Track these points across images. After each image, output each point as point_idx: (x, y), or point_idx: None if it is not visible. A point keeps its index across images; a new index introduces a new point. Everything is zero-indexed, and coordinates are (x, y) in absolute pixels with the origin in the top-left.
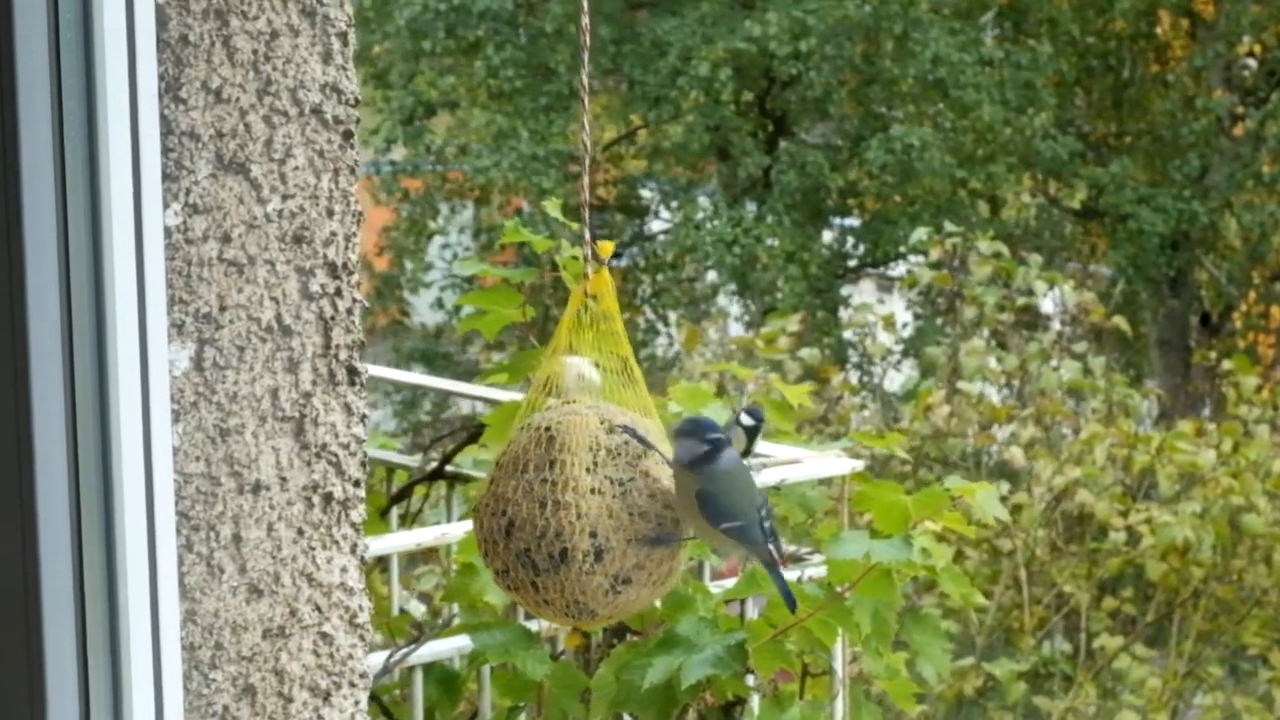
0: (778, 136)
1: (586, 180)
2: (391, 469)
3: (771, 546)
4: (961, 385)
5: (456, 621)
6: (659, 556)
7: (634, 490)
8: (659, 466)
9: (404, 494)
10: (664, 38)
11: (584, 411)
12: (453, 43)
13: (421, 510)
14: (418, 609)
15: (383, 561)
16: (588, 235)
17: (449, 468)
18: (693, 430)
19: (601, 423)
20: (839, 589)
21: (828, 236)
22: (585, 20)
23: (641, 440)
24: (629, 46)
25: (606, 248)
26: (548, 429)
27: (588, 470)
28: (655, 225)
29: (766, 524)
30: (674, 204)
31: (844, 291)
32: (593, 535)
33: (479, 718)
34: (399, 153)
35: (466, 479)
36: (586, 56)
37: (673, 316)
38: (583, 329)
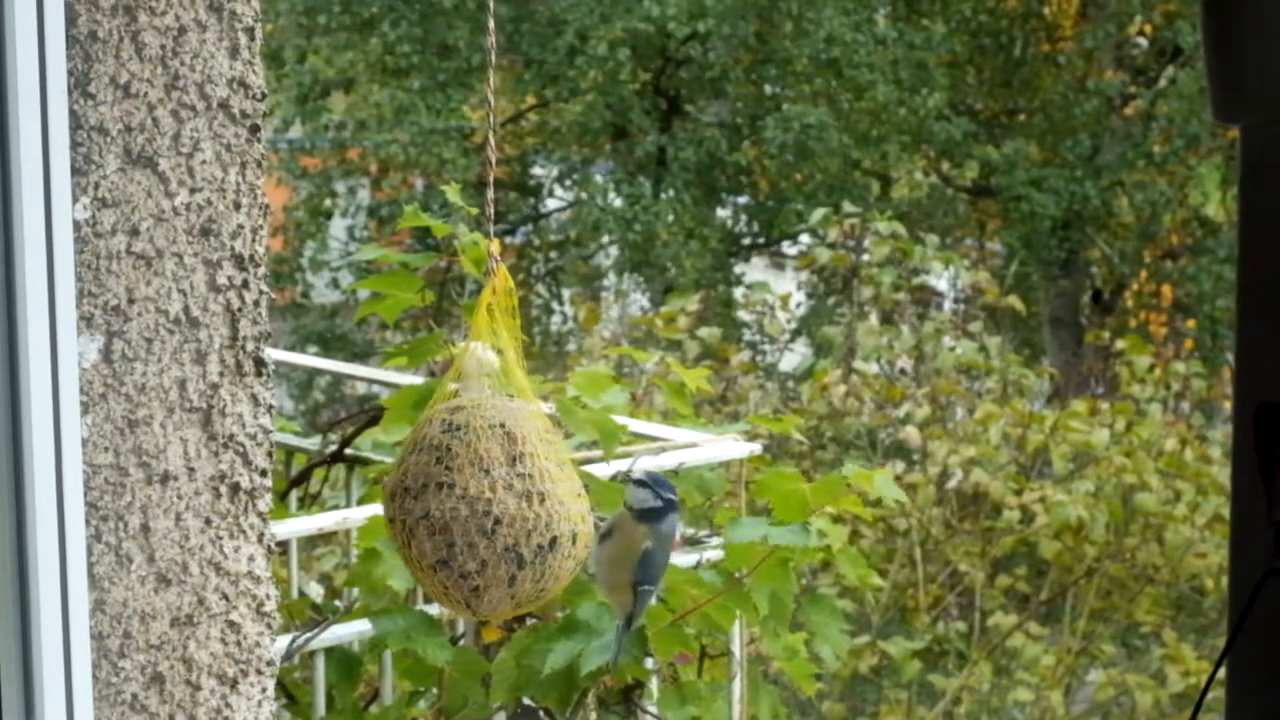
0: (671, 116)
1: (490, 194)
2: (291, 451)
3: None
4: (858, 365)
5: (358, 606)
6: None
7: (568, 471)
8: (563, 451)
9: (303, 477)
10: (561, 16)
11: (519, 404)
12: (348, 18)
13: (321, 493)
14: (316, 591)
15: (282, 545)
16: (491, 231)
17: (348, 450)
18: (652, 483)
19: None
20: (737, 574)
21: (721, 215)
22: (491, 40)
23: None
24: (526, 25)
25: (492, 245)
26: (502, 424)
27: (548, 460)
28: (550, 203)
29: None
30: (568, 182)
31: (737, 270)
32: (569, 520)
33: (379, 700)
34: (296, 130)
35: (366, 462)
36: (492, 74)
37: (567, 294)
38: (492, 320)
